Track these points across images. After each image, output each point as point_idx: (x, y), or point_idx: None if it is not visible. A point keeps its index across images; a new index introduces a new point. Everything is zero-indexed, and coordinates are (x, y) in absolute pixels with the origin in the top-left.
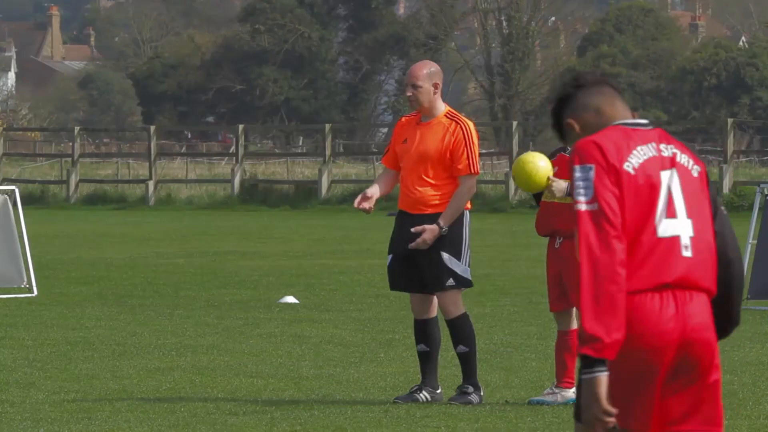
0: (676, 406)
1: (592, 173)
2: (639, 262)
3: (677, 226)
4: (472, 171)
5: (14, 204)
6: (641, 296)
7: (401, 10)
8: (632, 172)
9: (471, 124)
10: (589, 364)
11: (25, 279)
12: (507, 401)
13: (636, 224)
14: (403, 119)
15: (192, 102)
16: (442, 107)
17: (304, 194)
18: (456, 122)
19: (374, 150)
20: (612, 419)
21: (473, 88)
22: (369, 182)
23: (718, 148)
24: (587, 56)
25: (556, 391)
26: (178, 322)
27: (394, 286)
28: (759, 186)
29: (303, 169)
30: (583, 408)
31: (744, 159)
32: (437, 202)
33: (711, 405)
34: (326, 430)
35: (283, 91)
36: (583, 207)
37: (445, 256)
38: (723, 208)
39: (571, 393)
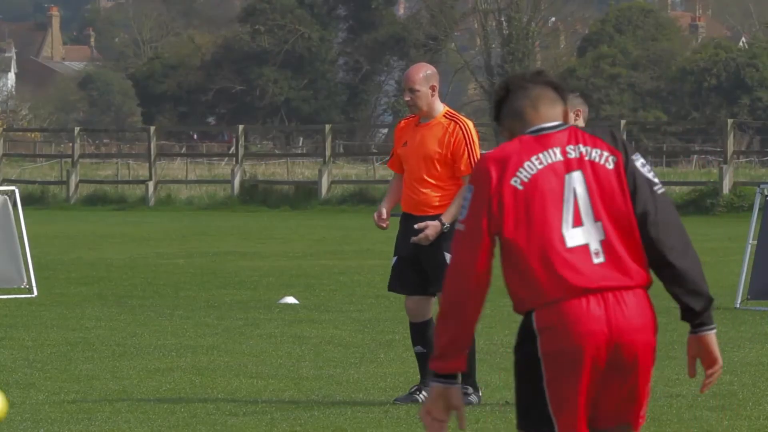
0: (603, 405)
1: (470, 194)
2: (553, 272)
3: (584, 234)
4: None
5: (14, 204)
6: (565, 303)
7: (401, 10)
8: (520, 187)
9: (470, 124)
10: (435, 375)
11: (25, 279)
12: (507, 401)
13: (540, 237)
14: (402, 122)
15: (192, 102)
16: (440, 108)
17: (304, 195)
18: (455, 122)
19: (374, 150)
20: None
21: (473, 89)
22: (369, 183)
23: (718, 149)
24: (587, 57)
25: None
26: (178, 323)
27: (392, 288)
28: (759, 186)
29: (303, 170)
30: (423, 410)
31: (744, 159)
32: (440, 203)
33: (634, 404)
34: (326, 431)
35: (283, 92)
36: (457, 225)
37: (449, 256)
38: (659, 189)
39: None
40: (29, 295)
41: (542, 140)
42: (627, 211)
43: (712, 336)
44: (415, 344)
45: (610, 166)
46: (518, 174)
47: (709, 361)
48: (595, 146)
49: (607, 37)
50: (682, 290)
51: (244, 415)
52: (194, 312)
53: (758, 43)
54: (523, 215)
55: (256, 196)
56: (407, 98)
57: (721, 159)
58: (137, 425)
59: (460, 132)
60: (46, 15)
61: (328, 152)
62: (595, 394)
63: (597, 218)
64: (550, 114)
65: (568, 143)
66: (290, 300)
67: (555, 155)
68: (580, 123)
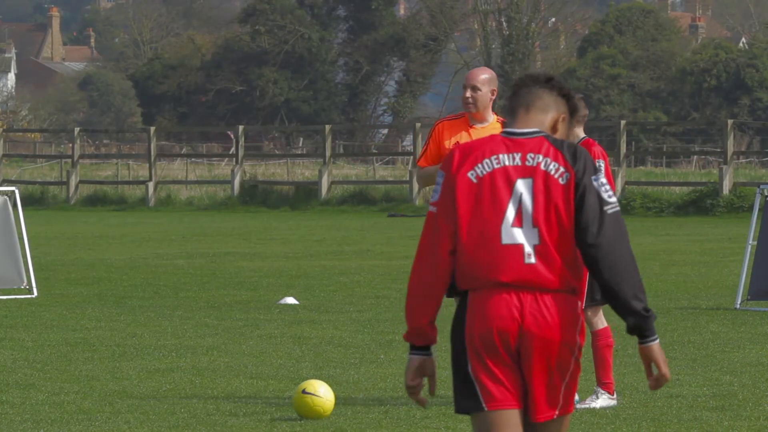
0: (530, 393)
1: (441, 179)
2: (483, 263)
3: (521, 236)
4: None
5: (14, 205)
6: (485, 291)
7: (401, 11)
8: (474, 180)
9: None
10: (414, 348)
11: (25, 280)
12: None
13: (481, 228)
14: (445, 122)
15: (192, 103)
16: (493, 115)
17: (304, 195)
18: None
19: (374, 151)
20: (414, 392)
21: None
22: (369, 183)
23: (718, 149)
24: (587, 57)
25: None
26: (178, 323)
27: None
28: (759, 187)
29: (303, 170)
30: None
31: (744, 160)
32: None
33: (540, 393)
34: (326, 431)
35: (283, 92)
36: (430, 207)
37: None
38: (611, 209)
39: (606, 396)
40: (29, 296)
41: (510, 142)
42: (567, 224)
43: (651, 347)
44: None
45: (562, 181)
46: (476, 168)
47: (656, 369)
48: (554, 159)
49: (607, 38)
50: (615, 307)
51: (244, 415)
52: (194, 312)
53: (758, 44)
54: (472, 206)
55: (256, 196)
56: (467, 95)
57: (721, 159)
58: (137, 426)
59: None
60: (46, 15)
61: (328, 153)
62: (517, 380)
63: (534, 224)
64: (539, 119)
65: (530, 151)
66: (290, 300)
67: (514, 159)
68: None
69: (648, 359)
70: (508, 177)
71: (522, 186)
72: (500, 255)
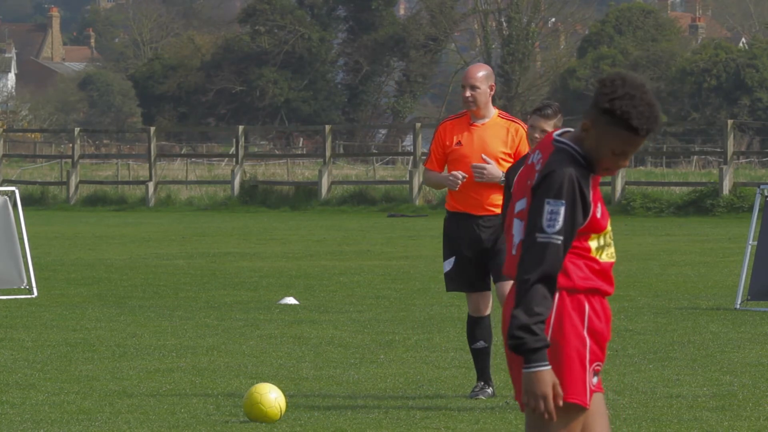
0: None
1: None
2: None
3: (516, 229)
4: None
5: (14, 205)
6: None
7: (401, 11)
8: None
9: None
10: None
11: (25, 280)
12: (507, 402)
13: (509, 220)
14: (447, 122)
15: (192, 103)
16: (493, 109)
17: (304, 195)
18: (515, 123)
19: (374, 151)
20: None
21: None
22: (369, 183)
23: (718, 149)
24: (587, 57)
25: None
26: (178, 324)
27: (456, 287)
28: (759, 187)
29: (303, 170)
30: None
31: (744, 160)
32: (501, 201)
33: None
34: (326, 431)
35: (283, 93)
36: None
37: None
38: (539, 237)
39: None
40: (29, 296)
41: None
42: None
43: (526, 374)
44: (476, 340)
45: (532, 180)
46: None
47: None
48: (544, 159)
49: (607, 38)
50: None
51: (244, 415)
52: (194, 313)
53: (758, 44)
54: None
55: (256, 196)
56: (467, 94)
57: (721, 160)
58: (137, 426)
59: (524, 133)
60: (46, 16)
61: (328, 153)
62: None
63: (522, 218)
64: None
65: (536, 149)
66: (290, 300)
67: (530, 159)
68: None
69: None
70: (521, 175)
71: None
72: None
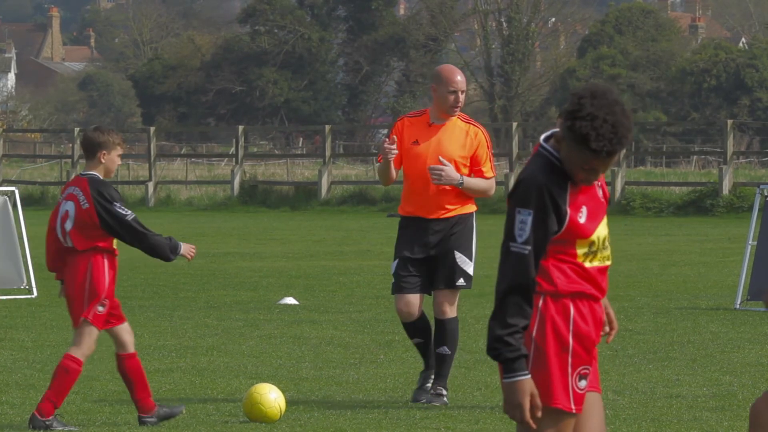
0: None
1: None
2: None
3: None
4: (495, 174)
5: (14, 205)
6: None
7: (401, 11)
8: None
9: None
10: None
11: (25, 280)
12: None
13: None
14: (405, 120)
15: (192, 103)
16: None
17: (304, 195)
18: (475, 126)
19: (374, 151)
20: None
21: (473, 90)
22: (369, 183)
23: (718, 149)
24: (587, 57)
25: None
26: (177, 324)
27: (402, 290)
28: (759, 187)
29: (303, 170)
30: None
31: (744, 160)
32: (455, 204)
33: None
34: (326, 431)
35: (283, 93)
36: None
37: (459, 255)
38: (511, 246)
39: None
40: (29, 296)
41: None
42: None
43: (504, 384)
44: (413, 337)
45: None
46: None
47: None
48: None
49: (606, 38)
50: None
51: (244, 415)
52: (194, 313)
53: (758, 44)
54: None
55: (255, 196)
56: (457, 100)
57: (720, 159)
58: (137, 426)
59: (483, 137)
60: (46, 16)
61: (327, 153)
62: None
63: None
64: None
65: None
66: (290, 301)
67: None
68: None
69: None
70: None
71: None
72: None
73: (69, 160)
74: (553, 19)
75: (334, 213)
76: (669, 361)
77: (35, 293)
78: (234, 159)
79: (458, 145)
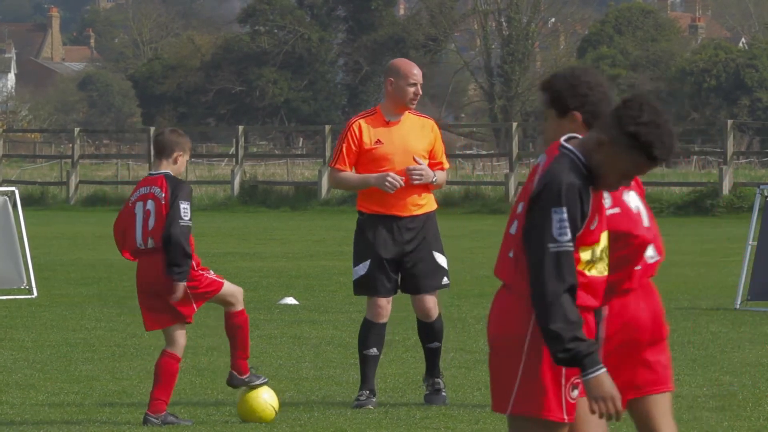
0: None
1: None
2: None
3: (515, 229)
4: (449, 166)
5: (14, 205)
6: None
7: (401, 11)
8: None
9: None
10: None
11: (25, 280)
12: None
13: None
14: (360, 121)
15: (192, 103)
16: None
17: (304, 195)
18: (427, 119)
19: None
20: None
21: (473, 90)
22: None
23: (718, 150)
24: (587, 57)
25: None
26: None
27: (377, 292)
28: (759, 187)
29: (303, 170)
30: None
31: (744, 160)
32: (425, 200)
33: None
34: (326, 431)
35: (283, 93)
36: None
37: (438, 255)
38: (553, 248)
39: None
40: (29, 296)
41: None
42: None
43: (587, 381)
44: (371, 346)
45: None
46: None
47: None
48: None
49: (606, 38)
50: None
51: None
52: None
53: (758, 44)
54: None
55: (255, 196)
56: (417, 93)
57: (720, 160)
58: (137, 426)
59: (437, 129)
60: (45, 16)
61: (327, 153)
62: None
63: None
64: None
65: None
66: (290, 301)
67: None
68: None
69: None
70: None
71: None
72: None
73: (69, 160)
74: (553, 19)
75: (334, 213)
76: None
77: (35, 293)
78: (234, 159)
79: (421, 139)
